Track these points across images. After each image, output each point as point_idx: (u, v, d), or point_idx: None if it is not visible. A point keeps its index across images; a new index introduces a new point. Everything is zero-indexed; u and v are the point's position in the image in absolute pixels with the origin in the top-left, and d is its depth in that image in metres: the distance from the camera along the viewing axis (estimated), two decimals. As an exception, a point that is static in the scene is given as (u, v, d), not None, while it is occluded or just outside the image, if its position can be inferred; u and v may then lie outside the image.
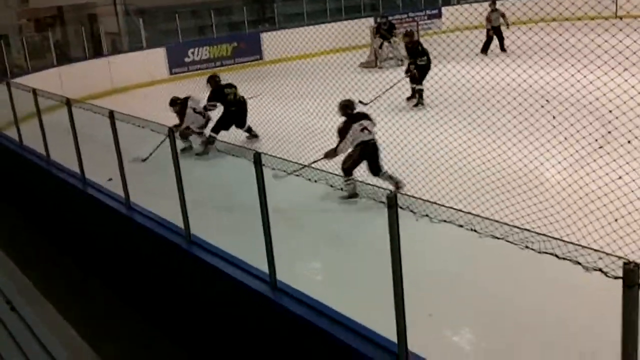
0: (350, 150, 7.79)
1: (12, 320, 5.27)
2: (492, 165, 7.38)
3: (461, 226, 3.24)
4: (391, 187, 7.20)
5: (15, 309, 5.47)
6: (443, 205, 3.36)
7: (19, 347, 4.90)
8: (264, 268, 4.73)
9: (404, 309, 3.64)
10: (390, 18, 19.81)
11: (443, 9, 23.53)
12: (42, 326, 5.34)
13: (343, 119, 8.13)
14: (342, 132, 7.88)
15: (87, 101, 10.68)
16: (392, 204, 3.58)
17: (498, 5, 18.33)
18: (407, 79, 13.40)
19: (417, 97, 12.94)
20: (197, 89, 13.08)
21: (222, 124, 11.02)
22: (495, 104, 7.92)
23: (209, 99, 11.31)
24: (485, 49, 18.21)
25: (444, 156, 8.29)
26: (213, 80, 11.41)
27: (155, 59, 18.24)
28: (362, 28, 20.27)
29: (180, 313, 6.28)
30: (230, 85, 11.42)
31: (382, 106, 9.66)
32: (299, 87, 11.68)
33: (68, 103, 7.65)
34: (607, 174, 6.18)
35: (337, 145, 7.85)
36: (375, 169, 7.62)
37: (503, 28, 18.02)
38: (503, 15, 18.09)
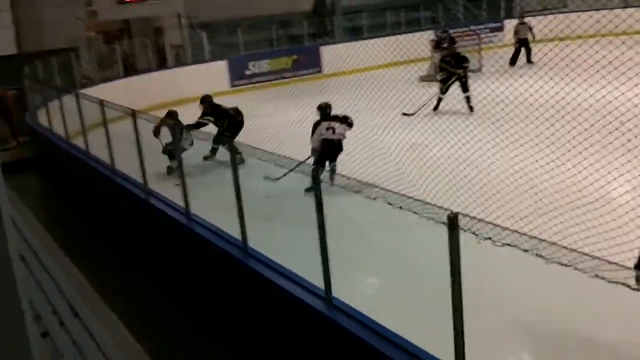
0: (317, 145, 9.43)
1: (75, 327, 5.38)
2: (557, 186, 7.13)
3: (526, 251, 3.13)
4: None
5: (79, 315, 5.58)
6: (507, 229, 3.25)
7: (80, 352, 5.00)
8: (320, 282, 4.71)
9: (462, 333, 3.56)
10: (450, 31, 19.65)
11: (505, 22, 23.14)
12: (104, 333, 5.44)
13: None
14: (313, 129, 9.60)
15: (151, 112, 10.93)
16: (453, 225, 3.51)
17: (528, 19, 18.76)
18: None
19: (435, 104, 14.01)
20: (257, 101, 13.25)
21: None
22: (560, 119, 7.69)
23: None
24: (513, 61, 18.76)
25: (508, 177, 8.06)
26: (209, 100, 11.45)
27: (217, 71, 18.57)
28: (421, 41, 20.16)
29: (236, 324, 6.31)
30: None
31: (436, 123, 9.54)
32: (358, 100, 11.66)
33: (133, 115, 7.85)
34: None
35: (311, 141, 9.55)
36: (330, 162, 9.34)
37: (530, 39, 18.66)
38: (530, 29, 18.61)
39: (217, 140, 9.99)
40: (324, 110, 9.75)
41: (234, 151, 5.71)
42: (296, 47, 20.98)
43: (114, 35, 21.03)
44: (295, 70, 20.08)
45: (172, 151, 9.78)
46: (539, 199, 6.83)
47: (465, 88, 13.91)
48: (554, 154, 7.66)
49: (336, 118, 9.62)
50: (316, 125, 9.56)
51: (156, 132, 10.07)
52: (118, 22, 21.13)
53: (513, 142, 8.35)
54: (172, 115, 10.52)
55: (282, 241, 6.90)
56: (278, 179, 8.43)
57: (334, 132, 9.41)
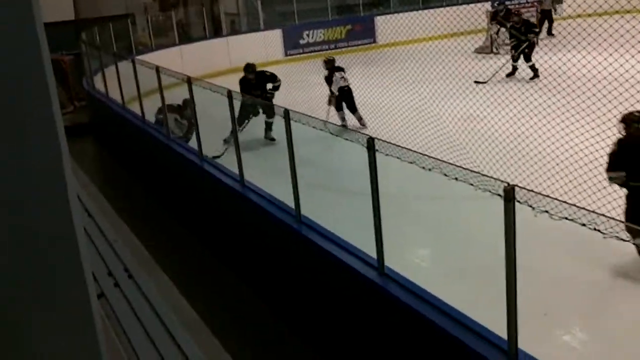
0: (335, 93, 11.28)
1: (130, 288, 5.57)
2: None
3: (584, 225, 3.08)
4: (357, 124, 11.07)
5: (133, 277, 5.77)
6: (566, 202, 3.20)
7: (134, 313, 5.17)
8: (373, 253, 4.74)
9: (516, 307, 3.54)
10: (507, 3, 19.12)
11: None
12: (157, 295, 5.61)
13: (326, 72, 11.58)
14: (329, 80, 11.45)
15: (206, 79, 11.05)
16: (509, 198, 3.47)
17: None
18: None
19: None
20: (311, 70, 13.23)
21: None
22: (622, 93, 7.44)
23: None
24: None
25: (568, 150, 7.88)
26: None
27: (271, 40, 18.58)
28: (478, 13, 19.66)
29: (288, 292, 6.41)
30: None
31: (496, 94, 9.35)
32: (413, 71, 11.52)
33: (189, 81, 7.96)
34: None
35: (330, 90, 11.40)
36: (352, 108, 11.40)
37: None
38: (554, 1, 18.73)
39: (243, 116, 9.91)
40: (330, 63, 11.60)
41: (286, 116, 5.74)
42: (351, 16, 20.78)
43: (170, 3, 21.20)
44: (350, 40, 19.94)
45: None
46: (599, 173, 6.65)
47: (528, 57, 14.10)
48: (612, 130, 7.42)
49: (339, 68, 11.51)
50: (330, 77, 11.40)
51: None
52: (174, -10, 21.32)
53: (572, 115, 8.13)
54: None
55: (335, 210, 6.95)
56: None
57: (345, 80, 11.33)
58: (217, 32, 19.33)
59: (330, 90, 11.46)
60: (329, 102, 11.49)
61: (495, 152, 8.22)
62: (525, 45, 14.08)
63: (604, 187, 6.01)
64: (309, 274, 5.82)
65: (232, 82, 10.77)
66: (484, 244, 5.55)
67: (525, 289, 3.70)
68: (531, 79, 13.81)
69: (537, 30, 14.21)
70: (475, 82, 13.26)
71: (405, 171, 4.61)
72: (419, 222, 7.21)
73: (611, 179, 5.77)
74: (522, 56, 14.19)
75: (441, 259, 6.50)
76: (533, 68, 13.98)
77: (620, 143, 5.84)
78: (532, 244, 5.56)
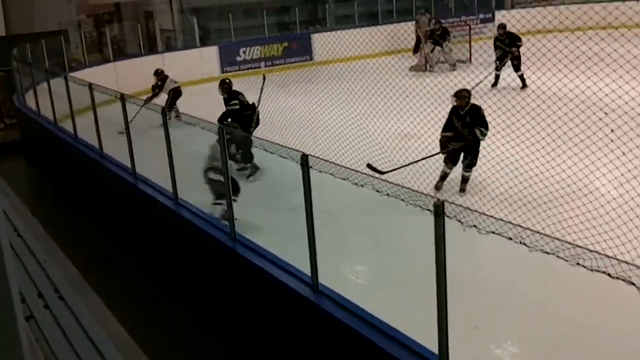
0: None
1: (60, 309, 5.39)
2: (544, 177, 7.19)
3: (510, 239, 3.17)
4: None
5: (64, 298, 5.59)
6: (492, 217, 3.29)
7: (65, 335, 5.01)
8: (307, 269, 4.74)
9: (446, 320, 3.60)
10: (442, 21, 19.68)
11: (496, 13, 23.13)
12: (88, 315, 5.45)
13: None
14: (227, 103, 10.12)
15: (141, 96, 10.86)
16: (439, 213, 3.54)
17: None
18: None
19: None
20: (247, 87, 13.20)
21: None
22: (551, 114, 7.73)
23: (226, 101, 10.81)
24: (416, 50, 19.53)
25: (496, 164, 8.12)
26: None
27: (207, 57, 18.48)
28: (413, 31, 20.13)
29: (222, 308, 6.33)
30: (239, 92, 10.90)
31: (432, 114, 9.55)
32: (348, 89, 11.66)
33: (122, 98, 7.82)
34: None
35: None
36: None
37: None
38: (430, 21, 19.39)
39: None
40: (230, 85, 10.44)
41: (220, 134, 5.70)
42: (288, 34, 20.91)
43: (104, 19, 20.85)
44: (286, 58, 20.02)
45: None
46: (528, 193, 6.90)
47: (518, 67, 14.67)
48: (549, 146, 7.71)
49: (239, 92, 10.32)
50: (228, 100, 10.29)
51: None
52: (108, 6, 20.94)
53: (507, 132, 8.37)
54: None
55: (270, 227, 6.93)
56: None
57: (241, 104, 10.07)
58: (152, 49, 19.08)
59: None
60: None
61: (426, 167, 8.38)
62: (509, 57, 14.70)
63: (534, 199, 6.21)
64: (245, 292, 5.77)
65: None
66: (418, 258, 5.63)
67: (461, 302, 3.78)
68: (521, 88, 14.39)
69: (520, 44, 14.63)
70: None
71: (339, 188, 4.65)
72: (354, 238, 7.25)
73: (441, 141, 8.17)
74: (501, 67, 14.86)
75: (377, 275, 6.55)
76: (522, 77, 14.50)
77: (451, 111, 8.17)
78: (474, 256, 5.71)
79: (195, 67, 17.77)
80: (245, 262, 5.40)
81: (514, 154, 7.88)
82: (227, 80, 10.77)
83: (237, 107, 10.28)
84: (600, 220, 6.02)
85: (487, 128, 8.13)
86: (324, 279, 4.75)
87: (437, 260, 3.58)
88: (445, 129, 8.30)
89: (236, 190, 6.72)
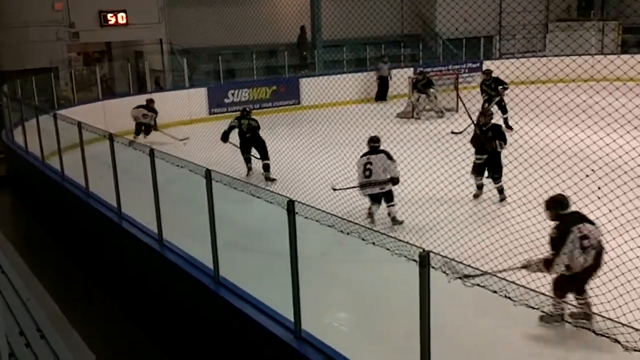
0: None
1: (42, 348, 5.30)
2: (529, 229, 7.25)
3: (495, 292, 3.19)
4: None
5: (46, 337, 5.50)
6: (477, 269, 3.32)
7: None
8: (290, 314, 4.72)
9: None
10: (427, 70, 20.12)
11: (484, 63, 23.57)
12: (70, 356, 5.35)
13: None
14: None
15: (128, 136, 10.88)
16: (424, 263, 3.56)
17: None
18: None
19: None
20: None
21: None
22: (538, 159, 7.83)
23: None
24: (378, 97, 20.90)
25: (483, 217, 8.20)
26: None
27: (196, 98, 18.61)
28: (400, 79, 20.46)
29: (206, 353, 6.26)
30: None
31: (418, 158, 9.65)
32: (335, 134, 11.77)
33: (110, 138, 7.84)
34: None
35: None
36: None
37: None
38: (390, 69, 20.85)
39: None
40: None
41: (207, 176, 5.72)
42: (276, 77, 21.14)
43: (95, 58, 21.00)
44: (274, 101, 20.20)
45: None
46: (514, 246, 6.95)
47: (504, 110, 15.10)
48: (530, 195, 7.78)
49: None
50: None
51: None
52: (99, 45, 21.12)
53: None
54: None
55: (255, 272, 6.90)
56: None
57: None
58: (141, 88, 19.20)
59: None
60: None
61: (414, 216, 8.43)
62: (495, 100, 15.14)
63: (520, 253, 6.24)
64: (227, 336, 5.72)
65: (154, 140, 10.69)
66: (403, 307, 5.62)
67: (440, 352, 3.77)
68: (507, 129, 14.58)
69: (506, 85, 15.18)
70: (452, 132, 13.78)
71: (326, 234, 4.66)
72: (339, 285, 7.23)
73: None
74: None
75: (360, 323, 6.51)
76: (506, 121, 14.76)
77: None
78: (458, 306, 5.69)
79: (184, 107, 17.87)
80: (228, 305, 5.37)
81: (500, 206, 7.97)
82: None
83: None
84: None
85: (505, 142, 9.79)
86: (306, 325, 4.73)
87: (421, 310, 3.59)
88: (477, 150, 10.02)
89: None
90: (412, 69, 22.19)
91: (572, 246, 5.52)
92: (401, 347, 5.02)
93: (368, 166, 8.81)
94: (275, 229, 5.09)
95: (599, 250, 5.66)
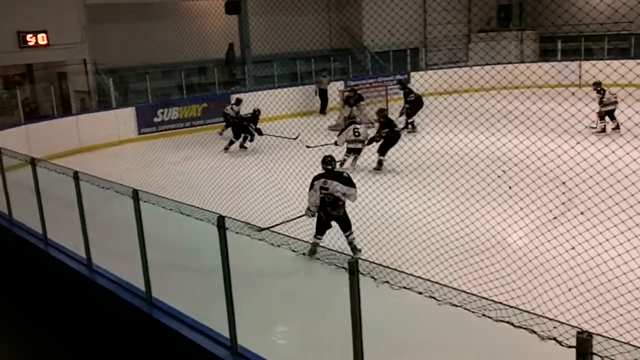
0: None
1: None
2: (449, 231, 7.48)
3: (420, 293, 3.27)
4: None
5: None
6: (403, 272, 3.39)
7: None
8: (226, 332, 4.69)
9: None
10: (356, 83, 20.49)
11: (412, 74, 24.09)
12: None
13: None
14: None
15: (53, 160, 10.59)
16: (353, 270, 3.61)
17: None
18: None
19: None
20: (166, 149, 13.11)
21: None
22: (459, 170, 8.08)
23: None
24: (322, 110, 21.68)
25: (405, 222, 8.38)
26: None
27: (124, 118, 18.27)
28: (331, 91, 20.68)
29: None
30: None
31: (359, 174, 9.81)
32: (269, 148, 11.79)
33: (32, 162, 7.61)
34: (561, 245, 6.31)
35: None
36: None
37: None
38: (329, 82, 21.71)
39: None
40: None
41: (135, 197, 5.63)
42: (206, 94, 20.98)
43: (15, 81, 20.33)
44: (206, 119, 20.03)
45: None
46: (438, 247, 7.15)
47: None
48: (454, 202, 8.03)
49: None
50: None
51: None
52: (20, 67, 20.46)
53: (417, 191, 8.66)
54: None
55: (190, 291, 6.82)
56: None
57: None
58: (66, 111, 18.71)
59: None
60: None
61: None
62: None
63: (441, 255, 6.40)
64: (163, 358, 5.61)
65: (82, 162, 10.43)
66: (339, 315, 5.67)
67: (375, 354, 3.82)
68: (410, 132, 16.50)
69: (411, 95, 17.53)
70: (307, 146, 13.47)
71: (259, 249, 4.67)
72: (276, 299, 7.22)
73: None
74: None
75: (299, 334, 6.52)
76: (413, 123, 17.19)
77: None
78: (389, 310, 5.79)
79: (112, 128, 17.52)
80: (162, 326, 5.27)
81: (426, 208, 8.15)
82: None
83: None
84: (503, 272, 6.35)
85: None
86: (244, 341, 4.70)
87: (352, 317, 3.63)
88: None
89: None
90: (342, 82, 22.48)
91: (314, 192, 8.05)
92: (339, 356, 5.05)
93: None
94: (207, 246, 5.05)
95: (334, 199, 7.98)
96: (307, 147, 11.13)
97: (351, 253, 7.58)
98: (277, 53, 21.64)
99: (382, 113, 14.29)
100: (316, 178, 8.23)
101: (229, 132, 17.17)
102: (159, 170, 12.02)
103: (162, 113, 19.28)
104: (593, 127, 14.41)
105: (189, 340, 4.90)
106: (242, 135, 16.30)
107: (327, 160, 8.46)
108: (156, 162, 12.51)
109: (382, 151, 13.41)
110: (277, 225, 8.16)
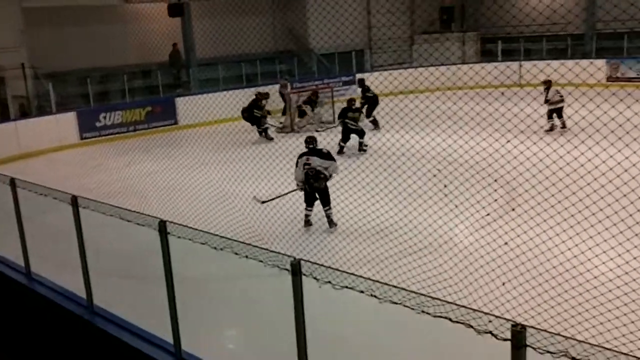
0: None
1: None
2: (387, 230, 7.59)
3: (362, 292, 3.30)
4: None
5: None
6: (345, 272, 3.42)
7: None
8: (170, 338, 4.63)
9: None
10: (301, 85, 20.54)
11: (357, 75, 24.25)
12: None
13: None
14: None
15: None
16: (296, 271, 3.62)
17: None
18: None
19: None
20: (109, 154, 12.86)
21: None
22: (406, 170, 8.18)
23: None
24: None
25: (347, 222, 8.47)
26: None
27: (65, 123, 17.82)
28: (277, 94, 20.61)
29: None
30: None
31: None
32: (214, 152, 11.70)
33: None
34: (494, 240, 6.50)
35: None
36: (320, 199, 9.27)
37: None
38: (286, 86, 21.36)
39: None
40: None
41: (74, 204, 5.51)
42: (150, 98, 20.65)
43: (-51, 86, 19.60)
44: (150, 122, 19.70)
45: None
46: (379, 245, 7.25)
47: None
48: (396, 200, 8.13)
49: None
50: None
51: None
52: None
53: (359, 189, 8.73)
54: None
55: (133, 297, 6.71)
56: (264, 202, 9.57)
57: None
58: (4, 117, 18.14)
59: None
60: None
61: (288, 228, 8.55)
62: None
63: (386, 254, 6.49)
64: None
65: (21, 169, 10.14)
66: (284, 316, 5.67)
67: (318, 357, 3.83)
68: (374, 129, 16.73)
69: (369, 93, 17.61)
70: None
71: (202, 253, 4.62)
72: (223, 303, 7.17)
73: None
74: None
75: (246, 337, 6.49)
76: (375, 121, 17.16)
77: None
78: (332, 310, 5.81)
79: (52, 134, 17.08)
80: (104, 334, 5.17)
81: (366, 207, 8.24)
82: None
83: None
84: (440, 269, 6.51)
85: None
86: (191, 346, 4.65)
87: (296, 317, 3.64)
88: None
89: None
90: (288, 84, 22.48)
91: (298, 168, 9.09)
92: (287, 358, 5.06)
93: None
94: (150, 252, 4.98)
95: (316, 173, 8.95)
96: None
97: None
98: (222, 55, 21.41)
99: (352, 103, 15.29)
100: (300, 156, 9.27)
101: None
102: (102, 176, 11.77)
103: (105, 117, 18.86)
104: (552, 126, 14.75)
105: (132, 347, 4.83)
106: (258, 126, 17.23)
107: (308, 140, 9.55)
108: (99, 167, 12.25)
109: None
110: (274, 198, 9.60)
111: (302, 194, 9.32)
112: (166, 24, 20.73)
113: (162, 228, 4.56)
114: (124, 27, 20.26)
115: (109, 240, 8.13)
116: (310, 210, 9.22)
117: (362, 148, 14.26)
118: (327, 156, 9.16)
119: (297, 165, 9.22)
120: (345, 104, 15.31)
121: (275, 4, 25.45)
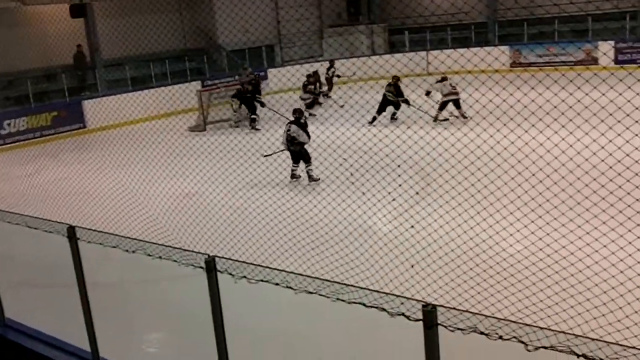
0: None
1: None
2: (299, 221, 7.67)
3: (277, 284, 3.33)
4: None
5: None
6: (259, 265, 3.44)
7: None
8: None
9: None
10: (213, 82, 20.30)
11: (268, 71, 24.23)
12: None
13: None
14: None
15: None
16: (210, 268, 3.61)
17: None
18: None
19: None
20: (15, 162, 12.31)
21: None
22: (323, 161, 8.26)
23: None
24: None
25: (260, 214, 8.49)
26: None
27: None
28: (188, 92, 20.32)
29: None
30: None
31: (212, 169, 9.75)
32: (125, 154, 11.42)
33: None
34: (401, 224, 6.69)
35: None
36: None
37: None
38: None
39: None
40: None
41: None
42: (56, 102, 19.88)
43: None
44: (56, 127, 18.97)
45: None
46: (292, 236, 7.29)
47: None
48: (305, 190, 8.19)
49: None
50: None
51: None
52: None
53: (266, 181, 8.78)
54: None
55: (46, 307, 6.49)
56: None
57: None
58: None
59: None
60: None
61: (209, 226, 8.46)
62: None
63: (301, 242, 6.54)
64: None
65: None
66: (204, 316, 5.65)
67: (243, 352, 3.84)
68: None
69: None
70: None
71: (116, 258, 4.54)
72: (143, 307, 7.03)
73: None
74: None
75: (169, 341, 6.40)
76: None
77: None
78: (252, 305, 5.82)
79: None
80: (17, 347, 4.99)
81: (280, 198, 8.28)
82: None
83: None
84: (352, 256, 6.70)
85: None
86: (112, 353, 4.56)
87: (213, 314, 3.64)
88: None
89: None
90: (199, 82, 22.18)
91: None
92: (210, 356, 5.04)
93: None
94: (62, 259, 4.83)
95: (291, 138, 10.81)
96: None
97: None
98: (129, 55, 20.87)
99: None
100: (287, 124, 11.24)
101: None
102: (6, 186, 11.27)
103: (9, 124, 18.03)
104: (456, 116, 14.78)
105: (48, 358, 4.68)
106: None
107: (295, 111, 11.41)
108: (3, 177, 11.70)
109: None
110: (271, 154, 11.47)
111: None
112: (69, 25, 19.98)
113: (71, 234, 4.44)
114: (25, 29, 19.40)
115: (17, 251, 7.82)
116: (296, 167, 11.15)
117: (393, 117, 14.82)
118: (302, 126, 11.04)
119: (284, 131, 11.24)
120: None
121: (183, 1, 25.05)
